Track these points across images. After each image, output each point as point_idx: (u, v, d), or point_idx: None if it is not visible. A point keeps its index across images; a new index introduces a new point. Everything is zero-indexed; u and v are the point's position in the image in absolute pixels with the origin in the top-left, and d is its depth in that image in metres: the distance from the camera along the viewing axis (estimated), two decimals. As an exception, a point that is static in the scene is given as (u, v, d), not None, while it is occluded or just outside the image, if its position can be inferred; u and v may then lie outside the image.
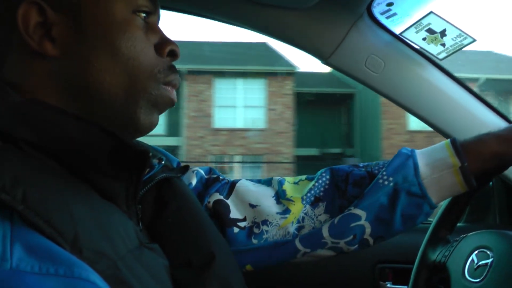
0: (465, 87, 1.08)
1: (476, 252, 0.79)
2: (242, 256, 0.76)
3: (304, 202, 0.78)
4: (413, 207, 0.73)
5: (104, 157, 0.49)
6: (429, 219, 1.28)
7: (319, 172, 0.82)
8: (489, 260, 0.76)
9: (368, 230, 0.74)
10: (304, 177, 0.83)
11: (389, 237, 0.76)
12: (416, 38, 1.02)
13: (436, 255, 0.85)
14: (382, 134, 14.49)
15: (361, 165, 0.80)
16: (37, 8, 0.51)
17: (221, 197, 0.79)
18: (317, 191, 0.79)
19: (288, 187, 0.81)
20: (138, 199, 0.56)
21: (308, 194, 0.79)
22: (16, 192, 0.40)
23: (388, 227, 0.74)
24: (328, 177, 0.80)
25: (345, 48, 0.99)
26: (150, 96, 0.56)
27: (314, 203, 0.78)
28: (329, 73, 16.35)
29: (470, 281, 0.76)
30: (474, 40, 0.99)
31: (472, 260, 0.78)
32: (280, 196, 0.80)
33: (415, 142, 14.25)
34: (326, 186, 0.79)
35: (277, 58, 14.58)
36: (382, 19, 1.02)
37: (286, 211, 0.78)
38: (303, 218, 0.78)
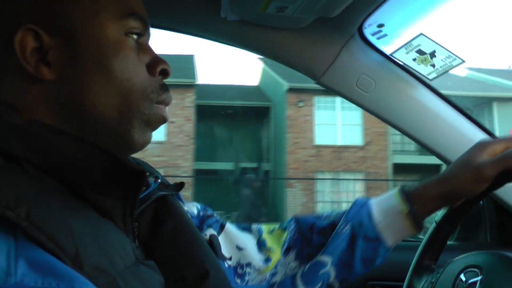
0: (455, 106, 1.10)
1: (464, 272, 0.80)
2: None
3: (282, 252, 0.83)
4: (369, 250, 0.78)
5: (102, 177, 0.51)
6: (419, 236, 1.29)
7: (287, 221, 0.88)
8: (479, 278, 0.77)
9: (332, 274, 0.78)
10: (277, 226, 0.88)
11: (352, 279, 0.81)
12: (406, 59, 1.04)
13: (421, 284, 0.86)
14: (287, 148, 14.48)
15: (324, 215, 0.86)
16: (33, 34, 0.53)
17: (215, 233, 0.82)
18: (289, 239, 0.84)
19: (266, 236, 0.86)
20: (135, 217, 0.57)
21: (284, 245, 0.84)
22: (20, 210, 0.42)
23: (350, 270, 0.79)
24: (293, 226, 0.86)
25: (337, 68, 1.01)
26: (144, 116, 0.57)
27: (286, 252, 0.83)
28: (246, 86, 16.42)
29: None
30: (463, 61, 1.01)
31: (461, 279, 0.79)
32: (261, 245, 0.84)
33: (322, 157, 14.39)
34: (295, 235, 0.84)
35: (181, 69, 14.41)
36: (373, 39, 1.04)
37: (268, 259, 0.82)
38: (276, 265, 0.82)
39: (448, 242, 0.92)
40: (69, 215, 0.45)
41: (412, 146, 14.28)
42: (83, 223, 0.46)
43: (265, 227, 0.87)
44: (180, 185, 0.73)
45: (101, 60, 0.54)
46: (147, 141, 0.60)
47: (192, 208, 0.84)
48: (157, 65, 0.60)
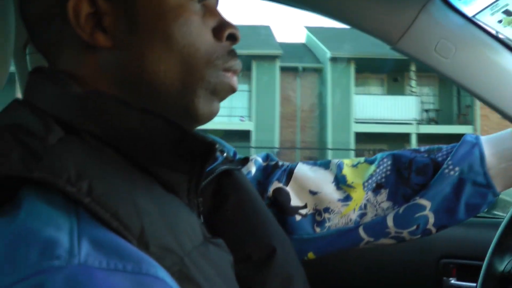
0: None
1: None
2: (304, 244, 0.75)
3: (365, 188, 0.77)
4: (477, 197, 0.72)
5: (168, 149, 0.48)
6: (496, 213, 1.23)
7: (379, 156, 0.80)
8: None
9: (431, 220, 0.73)
10: (362, 159, 0.82)
11: (451, 225, 0.75)
12: (490, 21, 0.96)
13: (504, 265, 0.80)
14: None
15: (422, 149, 0.79)
16: None
17: (281, 185, 0.78)
18: (379, 177, 0.78)
19: (347, 171, 0.79)
20: (199, 192, 0.55)
21: (370, 181, 0.78)
22: (81, 184, 0.39)
23: (451, 216, 0.73)
24: (390, 162, 0.79)
25: (414, 32, 0.94)
26: (209, 85, 0.54)
27: (376, 190, 0.77)
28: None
29: None
30: (557, 23, 0.92)
31: None
32: (340, 182, 0.79)
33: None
34: (388, 173, 0.78)
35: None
36: (454, 0, 0.96)
37: (348, 198, 0.77)
38: (365, 205, 0.76)
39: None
40: (134, 191, 0.43)
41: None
42: (149, 199, 0.43)
43: (347, 161, 0.82)
44: (245, 160, 0.71)
45: (160, 25, 0.51)
46: (214, 112, 0.57)
47: (250, 166, 0.80)
48: (225, 29, 0.56)
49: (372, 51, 14.29)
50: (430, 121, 17.20)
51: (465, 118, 16.54)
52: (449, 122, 17.12)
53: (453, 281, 1.18)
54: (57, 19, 0.52)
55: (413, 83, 16.98)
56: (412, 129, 16.36)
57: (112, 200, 0.40)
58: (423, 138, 16.07)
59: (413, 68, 16.40)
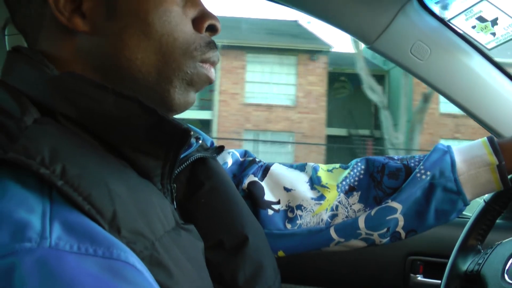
0: (512, 79, 1.04)
1: None
2: (275, 241, 0.75)
3: (339, 190, 0.77)
4: (447, 203, 0.73)
5: (143, 134, 0.47)
6: (465, 213, 1.26)
7: (353, 161, 0.81)
8: None
9: (401, 223, 0.74)
10: (337, 165, 0.83)
11: (421, 232, 0.76)
12: (465, 26, 0.98)
13: (467, 265, 0.82)
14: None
15: (396, 157, 0.80)
16: None
17: (256, 179, 0.78)
18: (352, 180, 0.79)
19: (322, 174, 0.80)
20: (173, 178, 0.54)
21: (343, 183, 0.78)
22: (55, 167, 0.39)
23: (420, 221, 0.74)
24: (363, 166, 0.80)
25: (392, 33, 0.96)
26: (186, 75, 0.53)
27: (348, 192, 0.78)
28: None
29: (511, 283, 0.74)
30: (527, 30, 0.95)
31: None
32: (314, 182, 0.79)
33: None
34: (361, 176, 0.79)
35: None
36: (431, 4, 0.98)
37: (321, 197, 0.77)
38: (336, 206, 0.77)
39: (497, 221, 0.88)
40: (107, 174, 0.43)
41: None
42: (122, 183, 0.43)
43: (323, 166, 0.82)
44: (220, 148, 0.70)
45: (139, 13, 0.50)
46: (190, 102, 0.56)
47: (227, 158, 0.80)
48: (205, 20, 0.55)
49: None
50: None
51: (207, 103, 14.96)
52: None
53: (420, 277, 1.20)
54: (37, 0, 0.51)
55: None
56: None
57: (85, 184, 0.39)
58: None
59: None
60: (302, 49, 14.02)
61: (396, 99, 14.51)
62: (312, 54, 14.03)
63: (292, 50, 13.96)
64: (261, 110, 13.51)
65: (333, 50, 14.55)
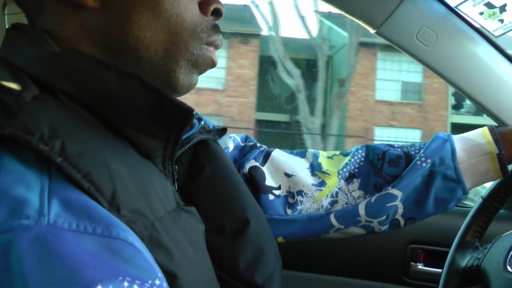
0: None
1: None
2: (275, 227, 0.75)
3: (339, 176, 0.77)
4: (446, 191, 0.73)
5: (145, 114, 0.47)
6: (466, 202, 1.25)
7: (354, 148, 0.81)
8: None
9: (400, 210, 0.74)
10: (337, 152, 0.83)
11: (420, 219, 0.76)
12: (472, 12, 0.96)
13: (466, 261, 0.82)
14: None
15: (396, 145, 0.80)
16: None
17: (257, 164, 0.77)
18: (352, 167, 0.78)
19: (323, 160, 0.80)
20: (174, 160, 0.54)
21: (344, 169, 0.78)
22: (54, 143, 0.38)
23: (420, 209, 0.74)
24: (363, 154, 0.79)
25: (397, 18, 0.95)
26: (192, 56, 0.53)
27: (348, 179, 0.78)
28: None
29: None
30: (536, 17, 0.93)
31: None
32: (315, 169, 0.79)
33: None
34: (361, 163, 0.79)
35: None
36: (438, -11, 0.97)
37: (322, 183, 0.77)
38: (336, 193, 0.77)
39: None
40: (107, 153, 0.42)
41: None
42: (122, 162, 0.43)
43: (323, 152, 0.82)
44: (223, 130, 0.70)
45: None
46: (193, 84, 0.56)
47: (228, 142, 0.79)
48: (210, 3, 0.55)
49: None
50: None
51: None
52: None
53: (420, 266, 1.20)
54: None
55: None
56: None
57: (84, 161, 0.39)
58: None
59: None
60: (234, 32, 13.78)
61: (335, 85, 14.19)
62: (244, 37, 13.84)
63: (223, 33, 13.74)
64: (190, 93, 13.23)
65: (263, 33, 14.19)
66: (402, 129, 13.99)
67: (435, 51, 0.97)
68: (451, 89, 13.97)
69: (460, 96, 14.35)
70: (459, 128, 14.06)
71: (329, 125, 11.60)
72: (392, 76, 14.34)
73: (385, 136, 14.01)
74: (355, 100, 13.99)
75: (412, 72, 14.29)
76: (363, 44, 13.42)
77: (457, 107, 14.45)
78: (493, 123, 1.05)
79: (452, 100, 14.39)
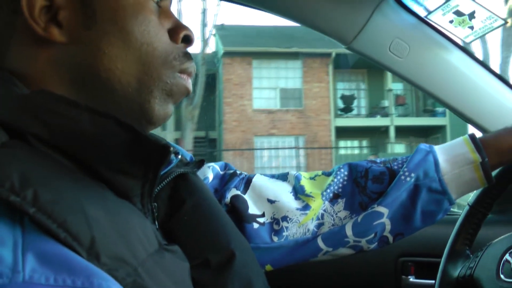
0: (492, 72, 1.03)
1: (508, 253, 0.75)
2: (262, 255, 0.73)
3: (323, 198, 0.76)
4: (433, 204, 0.73)
5: (120, 153, 0.45)
6: (453, 210, 1.25)
7: (336, 167, 0.80)
8: None
9: (388, 227, 0.73)
10: (319, 172, 0.81)
11: (408, 234, 0.75)
12: (442, 21, 0.97)
13: (458, 271, 0.81)
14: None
15: (378, 160, 0.79)
16: None
17: (238, 192, 0.76)
18: (336, 187, 0.77)
19: (305, 182, 0.78)
20: (153, 197, 0.52)
21: (328, 190, 0.77)
22: (26, 193, 0.36)
23: (407, 224, 0.74)
24: (346, 172, 0.78)
25: (369, 32, 0.95)
26: (165, 85, 0.52)
27: (333, 199, 0.76)
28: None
29: (508, 281, 0.72)
30: (505, 22, 0.95)
31: (506, 260, 0.74)
32: (298, 192, 0.77)
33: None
34: (345, 182, 0.77)
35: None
36: (407, 1, 0.97)
37: (306, 207, 0.75)
38: (322, 215, 0.75)
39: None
40: (83, 198, 0.40)
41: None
42: (100, 206, 0.40)
43: (305, 174, 0.81)
44: (201, 162, 0.68)
45: (118, 22, 0.48)
46: (169, 114, 0.54)
47: (207, 172, 0.77)
48: (180, 31, 0.54)
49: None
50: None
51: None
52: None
53: (411, 279, 1.19)
54: (5, 9, 0.48)
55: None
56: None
57: (59, 209, 0.36)
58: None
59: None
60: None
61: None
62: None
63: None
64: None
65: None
66: (283, 137, 13.90)
67: (409, 62, 0.97)
68: (333, 93, 14.08)
69: (346, 99, 14.44)
70: (344, 131, 13.75)
71: (184, 138, 11.64)
72: (270, 84, 14.28)
73: (266, 144, 13.88)
74: (231, 111, 13.97)
75: (291, 78, 14.33)
76: (237, 54, 13.47)
77: (346, 110, 14.34)
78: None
79: (340, 104, 14.39)
